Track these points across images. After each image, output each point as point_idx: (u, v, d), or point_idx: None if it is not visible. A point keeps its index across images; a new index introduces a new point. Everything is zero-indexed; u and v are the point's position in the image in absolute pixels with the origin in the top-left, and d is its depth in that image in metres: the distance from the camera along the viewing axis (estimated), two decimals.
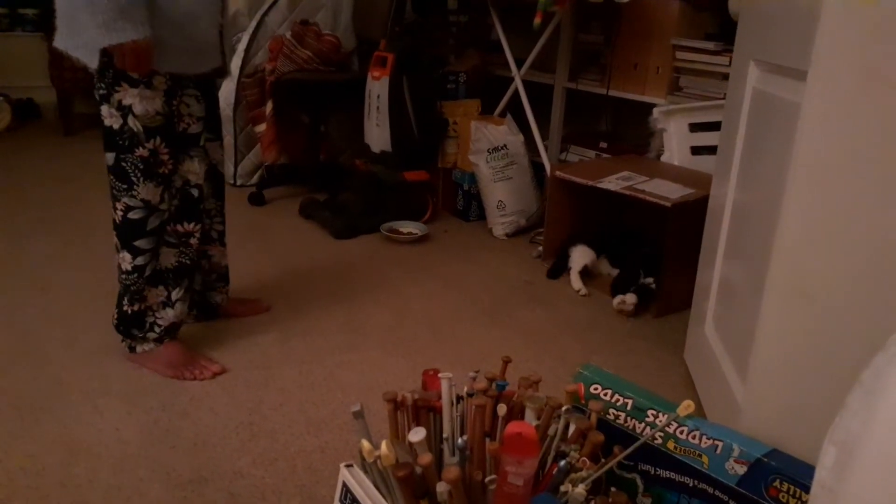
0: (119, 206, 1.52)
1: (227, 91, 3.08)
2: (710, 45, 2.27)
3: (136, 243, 1.55)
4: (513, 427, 0.78)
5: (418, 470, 0.87)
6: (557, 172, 2.29)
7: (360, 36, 3.24)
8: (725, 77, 2.21)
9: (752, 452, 0.92)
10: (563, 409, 0.97)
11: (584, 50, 2.77)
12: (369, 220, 2.66)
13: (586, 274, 2.25)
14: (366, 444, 0.87)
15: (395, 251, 2.50)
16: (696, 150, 2.30)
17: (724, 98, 2.15)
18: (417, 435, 0.84)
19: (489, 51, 3.05)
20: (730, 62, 2.12)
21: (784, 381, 1.13)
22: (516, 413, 1.01)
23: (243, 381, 1.62)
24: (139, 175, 1.49)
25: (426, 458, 0.84)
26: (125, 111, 1.45)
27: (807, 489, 0.87)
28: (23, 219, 2.64)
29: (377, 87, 2.66)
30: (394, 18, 2.72)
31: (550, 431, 0.97)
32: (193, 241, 1.67)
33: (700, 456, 0.96)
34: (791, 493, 0.89)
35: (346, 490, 0.94)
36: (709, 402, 1.48)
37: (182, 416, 1.48)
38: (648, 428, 1.01)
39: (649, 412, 1.02)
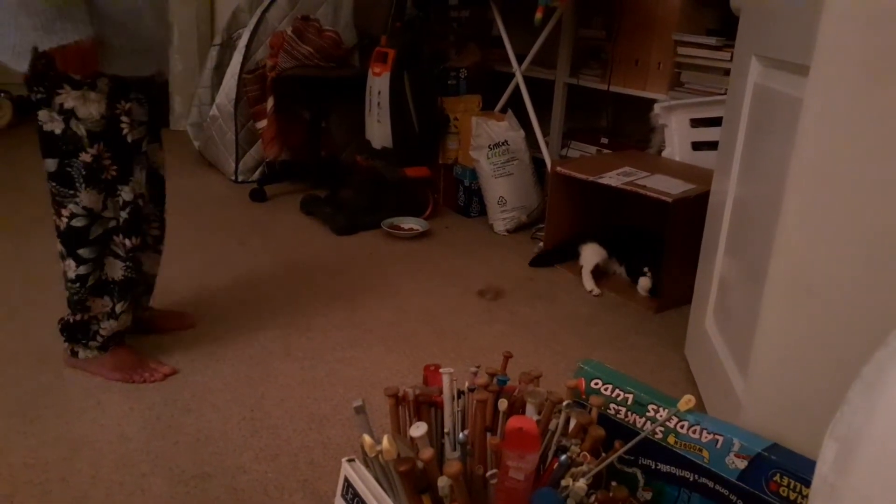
0: (64, 212, 1.46)
1: (228, 87, 3.08)
2: (712, 41, 2.26)
3: (80, 252, 1.49)
4: (514, 422, 0.78)
5: (420, 464, 0.87)
6: (558, 168, 2.28)
7: (360, 32, 3.23)
8: (727, 72, 2.20)
9: (753, 447, 0.92)
10: (564, 404, 0.97)
11: (585, 45, 2.77)
12: (370, 216, 2.66)
13: (597, 273, 2.23)
14: (367, 438, 0.87)
15: (396, 247, 2.50)
16: (697, 146, 2.30)
17: (725, 93, 2.15)
18: (419, 430, 0.85)
19: (490, 46, 3.05)
20: (731, 57, 2.11)
21: (785, 375, 1.13)
22: (517, 408, 1.01)
23: (245, 377, 1.62)
24: (81, 181, 1.44)
25: (428, 452, 0.85)
26: (67, 115, 1.39)
27: (807, 483, 0.88)
28: (23, 216, 2.64)
29: (378, 83, 2.65)
30: (394, 14, 2.71)
31: (551, 426, 0.97)
32: (139, 254, 1.62)
33: (700, 450, 0.96)
34: (792, 487, 0.89)
35: (348, 484, 0.94)
36: (709, 398, 1.48)
37: (184, 412, 1.48)
38: (649, 423, 1.02)
39: (650, 407, 1.02)
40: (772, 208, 1.14)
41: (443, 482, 0.84)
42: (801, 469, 0.88)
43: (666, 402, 1.02)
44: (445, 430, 0.98)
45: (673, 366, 1.75)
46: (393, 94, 2.62)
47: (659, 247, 2.06)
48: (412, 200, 2.77)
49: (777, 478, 0.90)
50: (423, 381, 1.10)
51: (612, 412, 1.05)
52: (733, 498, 0.94)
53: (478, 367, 1.07)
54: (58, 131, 1.40)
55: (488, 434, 0.94)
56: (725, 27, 2.32)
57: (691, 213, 1.89)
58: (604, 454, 0.95)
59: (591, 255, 2.23)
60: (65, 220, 1.47)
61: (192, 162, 3.47)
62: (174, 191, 2.99)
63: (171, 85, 4.07)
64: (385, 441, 0.84)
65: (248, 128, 3.12)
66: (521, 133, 2.68)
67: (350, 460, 0.96)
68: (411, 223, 2.68)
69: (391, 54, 2.60)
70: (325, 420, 1.47)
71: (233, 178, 3.17)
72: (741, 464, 0.92)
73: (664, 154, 2.35)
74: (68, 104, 1.38)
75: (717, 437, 0.95)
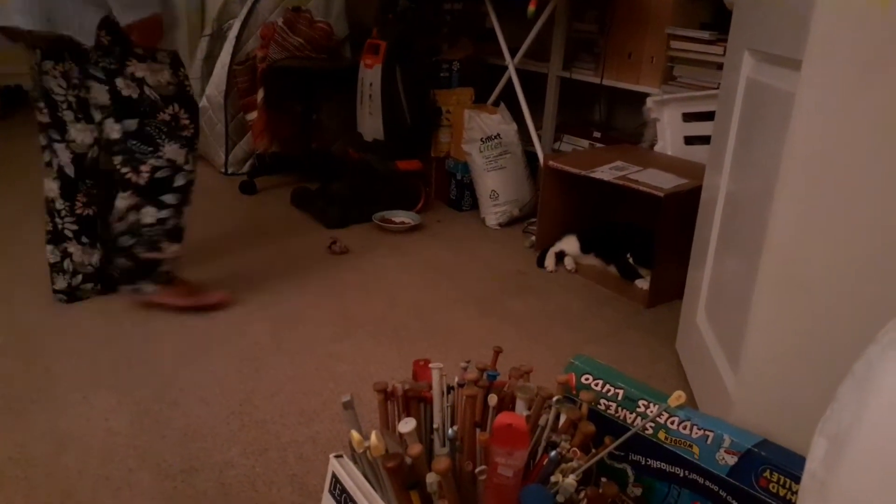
0: (144, 168, 1.66)
1: (218, 78, 3.05)
2: (705, 35, 2.26)
3: (162, 197, 1.70)
4: (503, 418, 0.77)
5: (408, 460, 0.86)
6: (550, 162, 2.28)
7: (352, 23, 3.21)
8: (720, 67, 2.20)
9: (743, 443, 0.92)
10: (554, 399, 0.97)
11: (578, 38, 2.76)
12: (361, 209, 2.65)
13: (560, 259, 2.31)
14: (355, 434, 0.86)
15: (387, 240, 2.49)
16: (689, 140, 2.30)
17: (718, 88, 2.14)
18: (407, 426, 0.84)
19: (483, 39, 3.03)
20: (724, 52, 2.10)
21: (776, 371, 1.13)
22: (507, 403, 1.00)
23: (235, 372, 1.61)
24: (164, 137, 1.65)
25: (416, 448, 0.84)
26: (140, 82, 1.61)
27: (797, 480, 0.87)
28: (11, 208, 2.61)
29: (370, 76, 2.64)
30: (386, 6, 2.69)
31: (541, 422, 0.96)
32: None
33: (691, 446, 0.96)
34: (781, 483, 0.89)
35: (336, 480, 0.93)
36: (700, 393, 1.48)
37: (172, 407, 1.47)
38: (639, 418, 1.01)
39: (640, 402, 1.02)
40: (764, 204, 1.14)
41: (431, 478, 0.83)
42: (791, 465, 0.88)
43: (656, 398, 1.02)
44: (434, 425, 0.97)
45: (664, 360, 1.75)
46: (385, 87, 2.60)
47: (650, 243, 2.06)
48: (404, 194, 2.75)
49: (767, 474, 0.90)
50: (413, 376, 1.09)
51: (603, 407, 1.05)
52: (723, 494, 0.94)
53: (468, 361, 1.06)
54: (135, 96, 1.62)
55: (478, 430, 0.93)
56: (719, 21, 2.31)
57: (683, 207, 1.89)
58: (594, 450, 0.94)
59: (563, 242, 2.31)
60: (145, 175, 1.67)
61: None
62: None
63: None
64: (373, 437, 0.83)
65: (238, 119, 3.10)
66: (514, 126, 2.67)
67: (338, 456, 0.96)
68: (403, 216, 2.67)
69: (383, 46, 2.58)
70: (315, 415, 1.46)
71: (222, 170, 3.15)
72: (731, 460, 0.92)
73: (656, 148, 2.35)
74: (139, 74, 1.61)
75: (707, 432, 0.95)
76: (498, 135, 2.62)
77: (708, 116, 2.18)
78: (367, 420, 1.40)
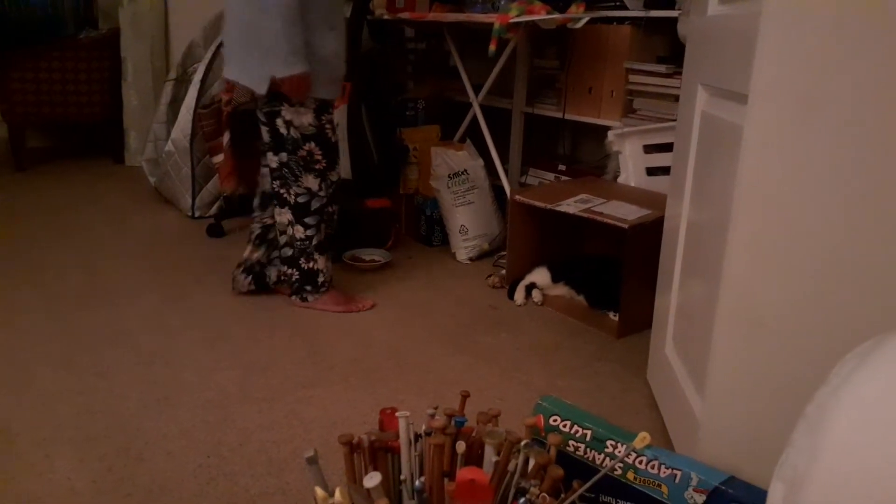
0: (292, 191, 2.05)
1: (183, 122, 3.04)
2: (662, 68, 2.31)
3: (306, 220, 2.07)
4: (465, 473, 0.76)
5: None
6: (517, 196, 2.30)
7: None
8: (677, 99, 2.25)
9: (710, 480, 0.92)
10: (523, 443, 0.96)
11: (540, 75, 2.81)
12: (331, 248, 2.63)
13: (529, 291, 2.32)
14: (319, 491, 0.85)
15: (358, 279, 2.48)
16: (651, 171, 2.33)
17: (676, 120, 2.19)
18: (372, 480, 0.82)
19: (447, 77, 3.07)
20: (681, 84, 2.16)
21: (740, 404, 1.14)
22: (476, 449, 1.00)
23: (201, 422, 1.57)
24: (301, 170, 2.03)
25: (382, 503, 0.82)
26: (288, 124, 1.98)
27: None
28: None
29: (335, 116, 2.64)
30: (351, 47, 2.71)
31: (510, 467, 0.96)
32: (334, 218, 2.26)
33: (659, 486, 0.96)
34: None
35: None
36: (672, 424, 1.48)
37: (137, 462, 1.43)
38: (608, 459, 1.01)
39: (608, 443, 1.02)
40: (721, 236, 1.15)
41: None
42: (758, 502, 0.88)
43: (624, 438, 1.02)
44: (402, 476, 0.96)
45: (636, 391, 1.75)
46: (351, 126, 2.61)
47: (618, 275, 2.08)
48: (374, 231, 2.75)
49: None
50: (379, 425, 1.07)
51: (572, 449, 1.05)
52: None
53: (435, 408, 1.05)
54: (285, 134, 1.99)
55: (446, 479, 0.92)
56: (675, 54, 2.37)
57: (648, 238, 1.91)
58: (563, 494, 0.94)
59: (534, 274, 2.32)
60: (293, 197, 2.06)
61: (148, 198, 3.41)
62: (129, 229, 2.94)
63: (126, 121, 4.01)
64: (337, 494, 0.81)
65: (204, 163, 3.08)
66: (480, 162, 2.70)
67: None
68: (373, 254, 2.67)
69: (348, 87, 2.60)
70: (285, 464, 1.43)
71: (189, 213, 3.12)
72: (700, 498, 0.92)
73: (620, 180, 2.38)
74: (287, 116, 1.97)
75: (675, 471, 0.95)
76: (465, 171, 2.65)
77: (668, 148, 2.22)
78: (337, 467, 1.37)
